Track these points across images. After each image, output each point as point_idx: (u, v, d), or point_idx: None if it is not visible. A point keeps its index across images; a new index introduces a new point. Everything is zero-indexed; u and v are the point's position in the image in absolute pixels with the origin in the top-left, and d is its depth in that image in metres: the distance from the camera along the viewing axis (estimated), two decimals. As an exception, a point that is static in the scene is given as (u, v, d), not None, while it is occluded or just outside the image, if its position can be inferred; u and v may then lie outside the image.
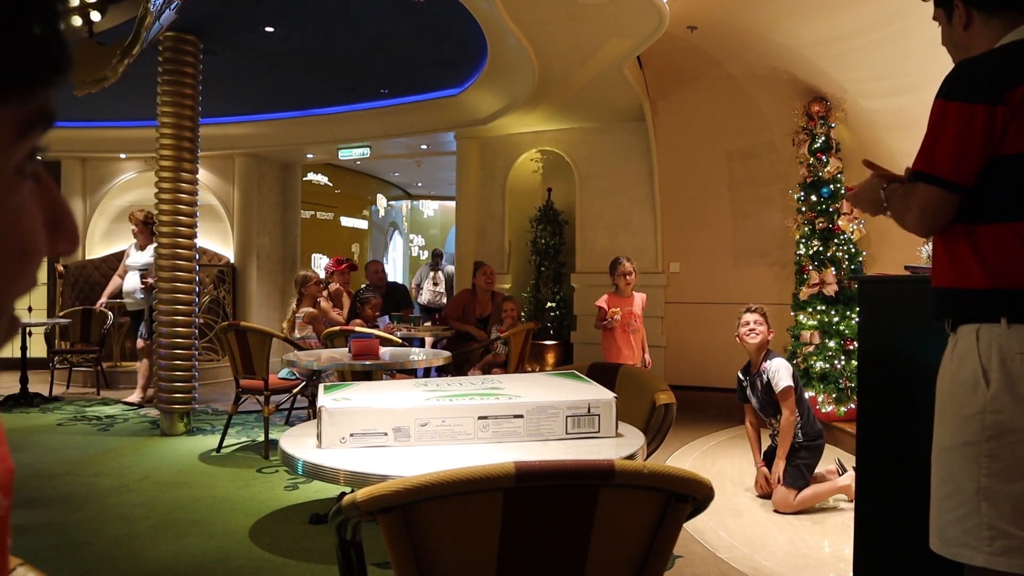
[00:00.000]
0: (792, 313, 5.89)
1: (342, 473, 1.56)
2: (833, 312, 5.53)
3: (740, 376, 3.96)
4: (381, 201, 15.19)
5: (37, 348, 7.87)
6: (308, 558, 3.00)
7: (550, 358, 7.74)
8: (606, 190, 7.81)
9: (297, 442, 1.78)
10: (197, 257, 5.53)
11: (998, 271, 1.53)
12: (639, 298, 5.02)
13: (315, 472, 1.62)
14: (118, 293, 6.68)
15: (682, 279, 7.50)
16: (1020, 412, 1.48)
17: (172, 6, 4.21)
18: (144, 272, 6.35)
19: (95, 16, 4.05)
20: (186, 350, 5.40)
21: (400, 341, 4.95)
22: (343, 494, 1.43)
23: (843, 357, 5.36)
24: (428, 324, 7.35)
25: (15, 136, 0.39)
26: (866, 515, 2.54)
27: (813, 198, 5.81)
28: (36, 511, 3.56)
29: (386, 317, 6.15)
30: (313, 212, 12.46)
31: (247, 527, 3.35)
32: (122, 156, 9.12)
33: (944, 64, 1.69)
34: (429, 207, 17.96)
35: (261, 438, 4.99)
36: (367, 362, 3.80)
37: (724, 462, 4.63)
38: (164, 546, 3.13)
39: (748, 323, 3.85)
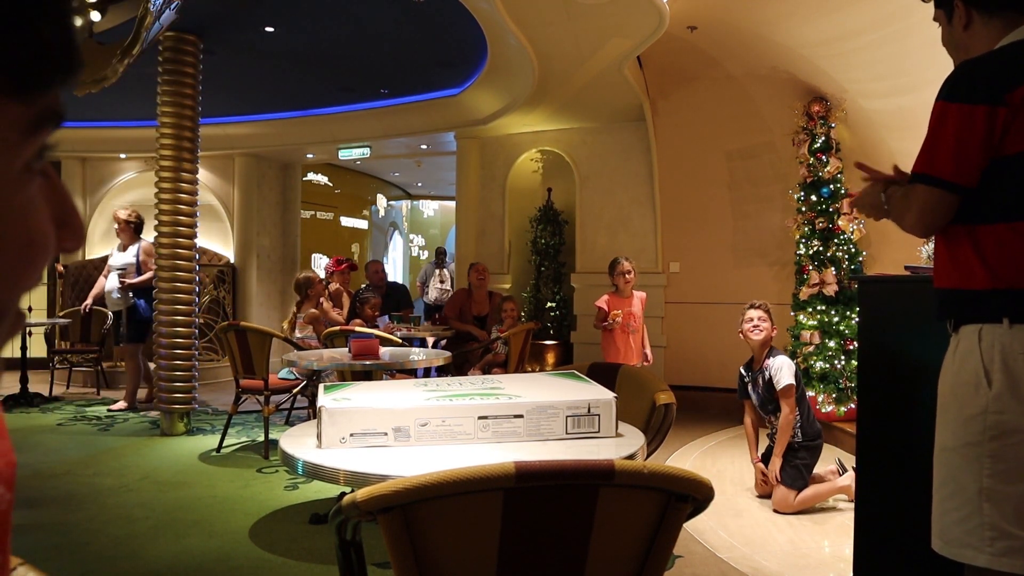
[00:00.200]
0: (792, 313, 5.89)
1: (342, 473, 1.56)
2: (833, 312, 5.53)
3: (742, 372, 3.96)
4: (381, 201, 15.19)
5: (37, 348, 7.87)
6: (308, 558, 2.99)
7: (550, 358, 7.74)
8: (606, 190, 7.81)
9: (297, 442, 1.78)
10: (197, 257, 5.53)
11: (1000, 271, 1.53)
12: (639, 297, 5.02)
13: (315, 472, 1.62)
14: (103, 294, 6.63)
15: (682, 279, 7.49)
16: (1022, 412, 1.48)
17: (172, 6, 4.21)
18: (123, 272, 6.25)
19: (95, 16, 4.05)
20: (186, 350, 5.41)
21: (400, 341, 4.95)
22: (343, 494, 1.43)
23: (843, 357, 5.36)
24: (428, 324, 7.35)
25: (25, 134, 0.39)
26: (866, 515, 2.54)
27: (813, 198, 5.81)
28: (36, 511, 3.56)
29: (386, 317, 6.15)
30: (313, 212, 12.46)
31: (247, 527, 3.34)
32: (122, 156, 9.12)
33: (944, 64, 1.69)
34: (429, 207, 17.96)
35: (261, 438, 4.99)
36: (367, 362, 3.80)
37: (724, 462, 4.63)
38: (164, 546, 3.13)
39: (752, 319, 3.86)
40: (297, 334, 5.37)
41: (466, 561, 1.19)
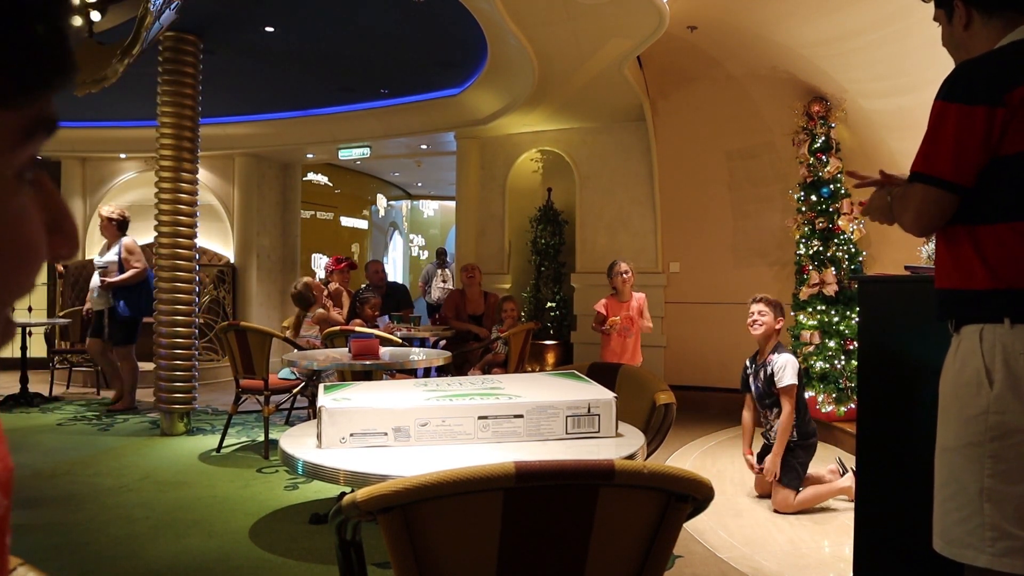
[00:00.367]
0: (792, 313, 5.89)
1: (342, 473, 1.55)
2: (833, 312, 5.53)
3: (746, 364, 3.97)
4: (381, 201, 15.20)
5: (37, 348, 7.87)
6: (308, 558, 2.99)
7: (550, 358, 7.74)
8: (606, 190, 7.81)
9: (297, 442, 1.78)
10: (197, 257, 5.53)
11: (1000, 271, 1.53)
12: (637, 299, 5.00)
13: (315, 472, 1.62)
14: None
15: (682, 279, 7.49)
16: (1023, 412, 1.48)
17: (172, 6, 4.21)
18: (104, 271, 6.13)
19: (95, 16, 4.05)
20: (186, 350, 5.41)
21: (400, 341, 4.95)
22: (343, 494, 1.42)
23: (843, 357, 5.36)
24: (429, 324, 7.36)
25: (18, 141, 0.39)
26: (866, 515, 2.54)
27: (813, 198, 5.81)
28: (36, 511, 3.56)
29: (386, 317, 6.15)
30: (313, 212, 12.46)
31: (247, 527, 3.34)
32: (122, 156, 9.12)
33: (944, 64, 1.69)
34: (429, 207, 17.97)
35: (261, 438, 4.99)
36: (367, 362, 3.80)
37: (724, 462, 4.63)
38: (164, 546, 3.13)
39: (752, 313, 3.88)
40: (303, 332, 5.37)
41: (466, 561, 1.19)
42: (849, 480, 3.69)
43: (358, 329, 5.10)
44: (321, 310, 5.49)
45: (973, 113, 1.51)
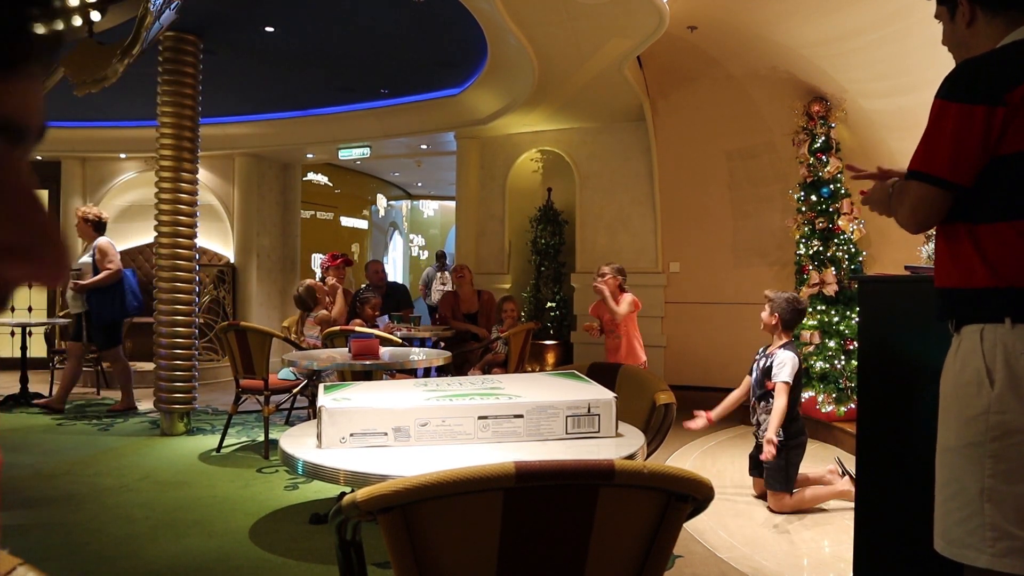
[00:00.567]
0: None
1: (342, 473, 1.55)
2: (833, 312, 5.53)
3: (760, 350, 3.99)
4: (381, 201, 15.20)
5: (37, 348, 7.87)
6: (308, 558, 2.99)
7: (550, 358, 7.74)
8: (606, 190, 7.81)
9: (297, 442, 1.78)
10: (197, 257, 5.53)
11: (1001, 270, 1.53)
12: (626, 301, 4.76)
13: (315, 472, 1.62)
14: None
15: (682, 279, 7.49)
16: None
17: (172, 6, 4.21)
18: (78, 274, 5.96)
19: (95, 16, 4.05)
20: (186, 350, 5.40)
21: (400, 341, 4.95)
22: (343, 494, 1.42)
23: (843, 357, 5.35)
24: (428, 324, 7.36)
25: None
26: (866, 515, 2.54)
27: (813, 198, 5.81)
28: (36, 511, 3.56)
29: (386, 317, 6.15)
30: (313, 212, 12.46)
31: (247, 527, 3.34)
32: (122, 156, 9.12)
33: (944, 64, 1.69)
34: (429, 207, 17.97)
35: (261, 438, 4.99)
36: (367, 362, 3.80)
37: (724, 462, 4.63)
38: (164, 546, 3.13)
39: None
40: (306, 331, 5.36)
41: (466, 561, 1.19)
42: (847, 484, 3.69)
43: (358, 329, 5.10)
44: (324, 311, 5.49)
45: (973, 112, 1.51)
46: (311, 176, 11.97)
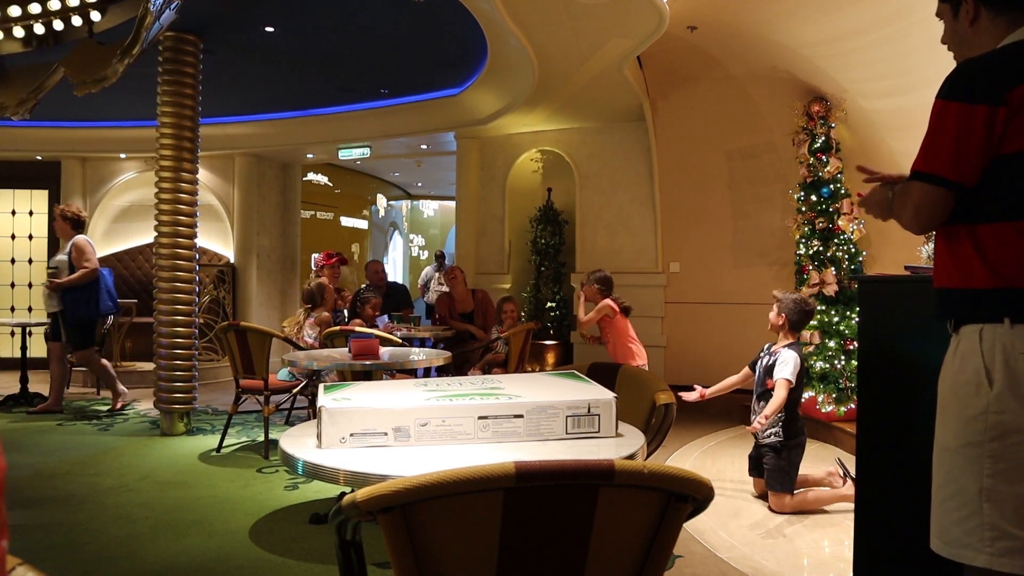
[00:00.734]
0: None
1: (342, 473, 1.55)
2: (833, 312, 5.53)
3: (765, 347, 4.00)
4: (381, 201, 15.20)
5: (37, 348, 7.87)
6: (308, 558, 2.99)
7: (550, 358, 7.74)
8: (606, 190, 7.82)
9: (297, 442, 1.78)
10: (197, 257, 5.53)
11: (1001, 270, 1.53)
12: (593, 308, 4.83)
13: (315, 472, 1.62)
14: None
15: (682, 279, 7.50)
16: (1023, 412, 1.48)
17: (172, 6, 4.20)
18: (53, 273, 5.86)
19: (95, 16, 4.05)
20: (186, 350, 5.41)
21: (400, 341, 4.95)
22: (343, 494, 1.43)
23: (843, 357, 5.36)
24: (428, 324, 7.36)
25: None
26: (866, 515, 2.54)
27: (813, 198, 5.81)
28: (36, 511, 3.56)
29: (386, 317, 6.15)
30: (313, 212, 12.46)
31: (247, 527, 3.34)
32: (122, 156, 9.12)
33: (944, 64, 1.69)
34: (429, 207, 17.97)
35: (261, 438, 4.99)
36: (367, 362, 3.80)
37: (724, 462, 4.63)
38: (164, 546, 3.13)
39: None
40: (308, 330, 5.36)
41: (466, 561, 1.19)
42: (850, 489, 3.69)
43: (358, 329, 5.10)
44: (325, 313, 5.50)
45: (974, 112, 1.51)
46: (311, 176, 11.98)
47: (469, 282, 7.27)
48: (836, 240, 5.70)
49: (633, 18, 5.10)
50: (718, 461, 4.67)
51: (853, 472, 3.05)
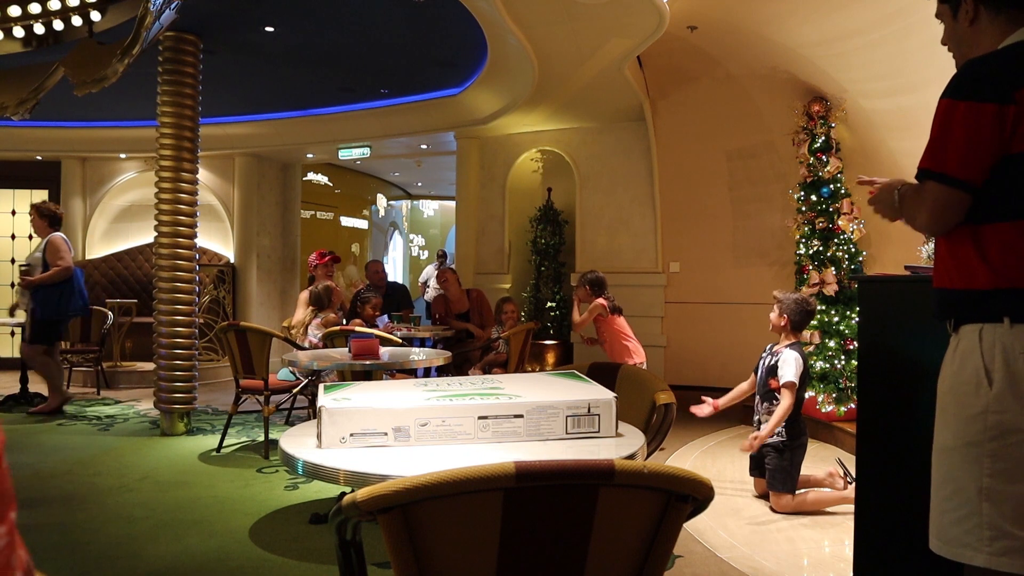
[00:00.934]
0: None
1: (342, 473, 1.55)
2: (833, 312, 5.53)
3: (767, 348, 4.00)
4: (381, 201, 15.20)
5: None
6: (308, 558, 3.00)
7: (550, 358, 7.74)
8: (606, 190, 7.81)
9: (297, 442, 1.78)
10: (197, 257, 5.53)
11: (1002, 270, 1.52)
12: (584, 309, 4.99)
13: (315, 472, 1.62)
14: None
15: (682, 279, 7.50)
16: (1023, 412, 1.48)
17: (172, 6, 4.21)
18: (27, 270, 5.77)
19: (95, 16, 4.06)
20: (186, 350, 5.41)
21: (400, 341, 4.95)
22: (343, 494, 1.43)
23: (843, 357, 5.36)
24: (428, 324, 7.36)
25: None
26: (866, 515, 2.54)
27: (813, 198, 5.81)
28: (36, 511, 3.56)
29: (385, 317, 6.15)
30: (313, 212, 12.46)
31: (247, 527, 3.35)
32: (122, 156, 9.12)
33: (944, 64, 1.69)
34: (429, 207, 17.98)
35: (261, 438, 4.99)
36: (367, 362, 3.80)
37: (724, 462, 4.63)
38: (164, 546, 3.13)
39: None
40: (312, 330, 5.36)
41: (466, 561, 1.19)
42: (851, 491, 3.69)
43: (358, 329, 5.10)
44: (332, 315, 5.51)
45: (982, 110, 1.50)
46: (311, 176, 11.98)
47: (470, 282, 7.28)
48: (836, 240, 5.70)
49: (633, 18, 5.10)
50: (718, 461, 4.67)
51: (853, 472, 3.05)
